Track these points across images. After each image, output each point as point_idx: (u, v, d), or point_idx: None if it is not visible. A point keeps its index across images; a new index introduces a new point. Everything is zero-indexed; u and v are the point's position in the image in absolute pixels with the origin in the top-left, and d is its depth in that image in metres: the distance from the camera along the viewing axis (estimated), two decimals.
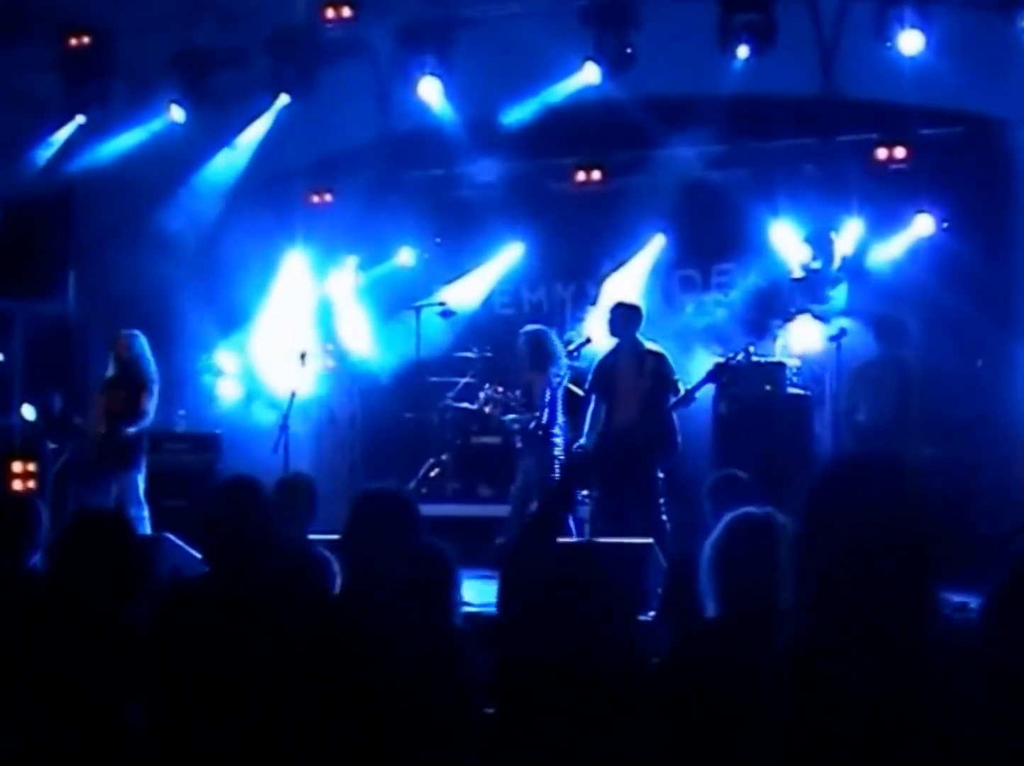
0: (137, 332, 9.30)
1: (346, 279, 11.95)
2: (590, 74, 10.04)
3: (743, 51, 9.45)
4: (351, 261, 11.92)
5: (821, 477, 2.16)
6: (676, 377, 8.88)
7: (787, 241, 10.81)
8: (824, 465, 2.27)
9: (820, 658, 2.03)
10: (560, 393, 8.97)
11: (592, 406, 8.97)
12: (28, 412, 10.54)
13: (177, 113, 10.67)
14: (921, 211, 10.32)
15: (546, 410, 8.80)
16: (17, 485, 9.78)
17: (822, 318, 10.39)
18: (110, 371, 9.26)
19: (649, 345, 8.93)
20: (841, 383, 9.50)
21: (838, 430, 9.31)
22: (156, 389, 9.12)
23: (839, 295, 10.51)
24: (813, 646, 2.05)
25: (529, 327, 9.38)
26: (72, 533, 3.95)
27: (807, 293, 10.66)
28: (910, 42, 9.12)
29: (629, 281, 11.23)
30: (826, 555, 2.05)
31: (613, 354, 8.97)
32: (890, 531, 2.01)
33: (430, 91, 10.29)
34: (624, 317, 8.92)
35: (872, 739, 1.95)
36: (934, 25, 9.09)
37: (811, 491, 2.13)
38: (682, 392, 8.79)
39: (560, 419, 8.94)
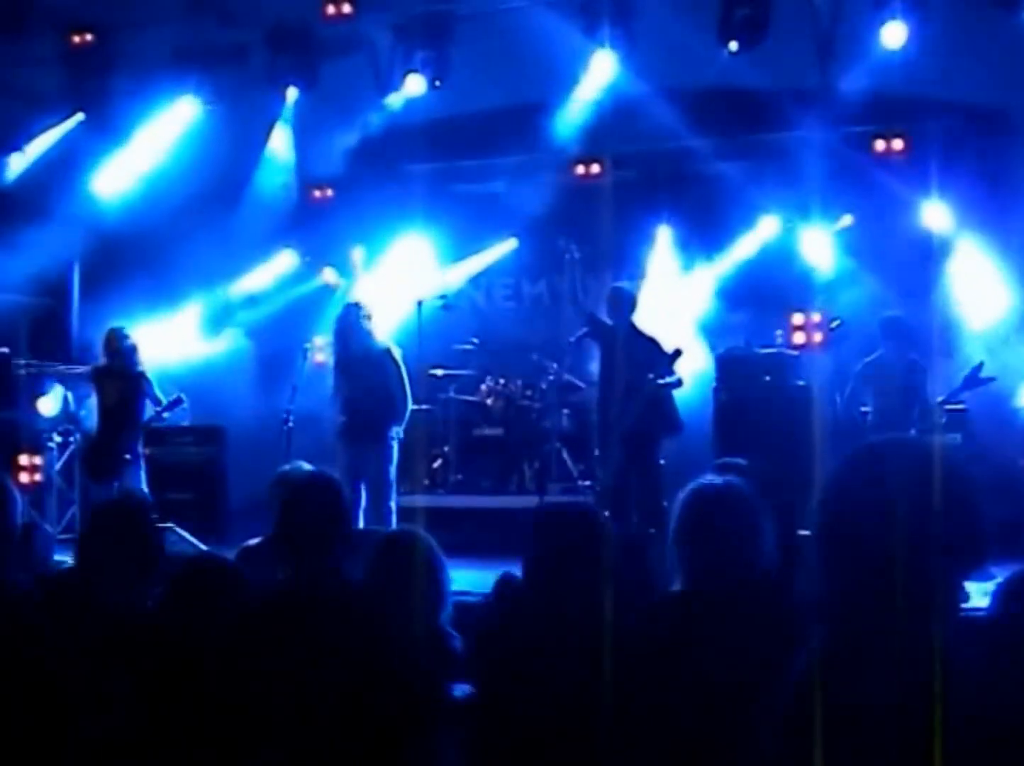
0: (127, 328, 9.17)
1: (348, 272, 12.00)
2: (596, 66, 10.08)
3: (733, 45, 9.50)
4: (353, 254, 11.97)
5: (842, 464, 2.02)
6: (669, 360, 8.90)
7: (786, 233, 10.86)
8: (848, 451, 2.05)
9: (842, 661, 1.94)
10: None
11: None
12: (45, 406, 10.54)
13: (184, 108, 10.76)
14: (920, 202, 10.37)
15: None
16: (24, 478, 9.86)
17: (823, 310, 10.46)
18: (101, 362, 9.15)
19: (643, 330, 8.98)
20: (840, 375, 9.54)
21: (837, 421, 9.35)
22: (148, 382, 9.04)
23: (840, 287, 10.57)
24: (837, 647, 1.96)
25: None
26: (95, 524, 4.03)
27: (807, 285, 10.72)
28: (906, 33, 9.18)
29: (652, 277, 11.31)
30: (847, 547, 1.95)
31: (611, 333, 8.95)
32: (913, 520, 1.90)
33: (429, 85, 10.35)
34: (616, 302, 8.94)
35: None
36: (931, 16, 9.13)
37: (831, 479, 2.01)
38: (676, 376, 8.78)
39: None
